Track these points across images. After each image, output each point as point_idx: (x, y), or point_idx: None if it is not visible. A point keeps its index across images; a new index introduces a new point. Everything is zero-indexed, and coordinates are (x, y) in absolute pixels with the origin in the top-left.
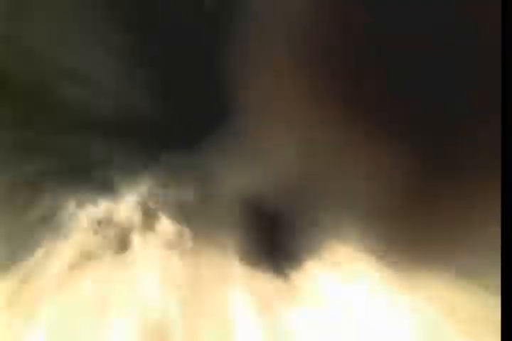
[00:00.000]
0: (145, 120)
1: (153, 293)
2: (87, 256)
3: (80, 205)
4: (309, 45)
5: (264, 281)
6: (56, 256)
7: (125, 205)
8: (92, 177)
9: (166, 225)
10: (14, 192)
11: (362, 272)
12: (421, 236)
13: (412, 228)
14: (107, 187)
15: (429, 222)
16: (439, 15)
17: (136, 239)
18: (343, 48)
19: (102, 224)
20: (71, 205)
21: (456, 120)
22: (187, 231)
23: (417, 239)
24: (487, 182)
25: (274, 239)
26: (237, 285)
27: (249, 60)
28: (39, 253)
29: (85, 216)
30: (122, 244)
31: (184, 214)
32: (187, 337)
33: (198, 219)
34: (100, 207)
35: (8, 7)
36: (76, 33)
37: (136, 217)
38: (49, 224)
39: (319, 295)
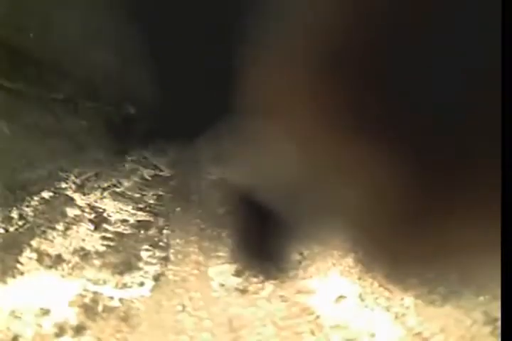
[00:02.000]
0: (147, 115)
1: None
2: None
3: None
4: (321, 51)
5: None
6: None
7: None
8: None
9: None
10: None
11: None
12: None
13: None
14: None
15: (425, 237)
16: (440, 17)
17: None
18: (354, 55)
19: None
20: None
21: (457, 125)
22: None
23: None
24: (488, 187)
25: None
26: None
27: (259, 61)
28: None
29: None
30: None
31: None
32: None
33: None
34: None
35: None
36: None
37: None
38: None
39: None
